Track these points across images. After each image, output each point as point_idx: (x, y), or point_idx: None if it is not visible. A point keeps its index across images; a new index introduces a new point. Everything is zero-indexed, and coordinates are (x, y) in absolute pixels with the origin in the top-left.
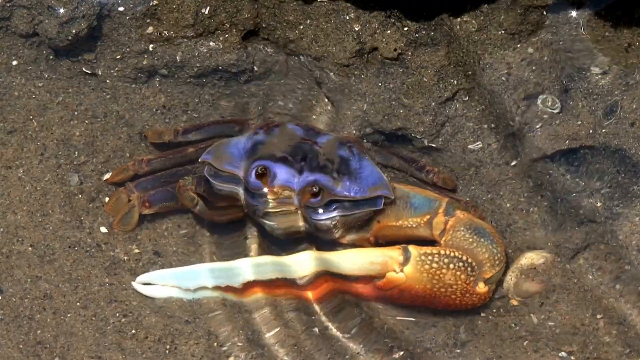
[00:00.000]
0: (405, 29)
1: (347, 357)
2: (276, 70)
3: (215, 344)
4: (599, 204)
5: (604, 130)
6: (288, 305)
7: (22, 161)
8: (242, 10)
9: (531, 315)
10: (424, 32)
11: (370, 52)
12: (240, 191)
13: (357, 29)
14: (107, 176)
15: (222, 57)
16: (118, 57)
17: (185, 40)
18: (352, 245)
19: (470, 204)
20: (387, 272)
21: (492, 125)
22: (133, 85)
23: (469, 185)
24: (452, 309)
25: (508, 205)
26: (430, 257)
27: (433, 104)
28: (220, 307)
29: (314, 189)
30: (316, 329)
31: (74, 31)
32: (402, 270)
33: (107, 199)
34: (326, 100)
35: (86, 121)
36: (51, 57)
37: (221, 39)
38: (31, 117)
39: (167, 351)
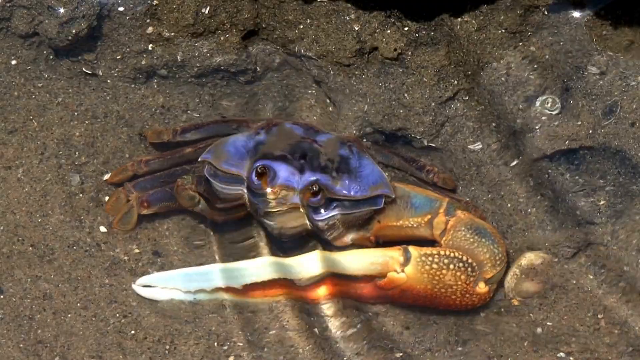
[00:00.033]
0: (406, 28)
1: (346, 357)
2: (276, 70)
3: (216, 344)
4: (599, 204)
5: (603, 131)
6: (288, 305)
7: (22, 161)
8: (242, 10)
9: (531, 315)
10: (424, 32)
11: (370, 52)
12: (243, 190)
13: (357, 28)
14: (106, 176)
15: (222, 57)
16: (118, 57)
17: (185, 40)
18: (353, 245)
19: (470, 204)
20: (388, 272)
21: (492, 125)
22: (133, 85)
23: (469, 186)
24: (453, 309)
25: (509, 205)
26: (430, 258)
27: (433, 104)
28: (220, 307)
29: (314, 188)
30: (316, 330)
31: (74, 31)
32: (403, 271)
33: (107, 199)
34: (327, 100)
35: (86, 121)
36: (51, 57)
37: (221, 39)
38: (31, 117)
39: (166, 351)
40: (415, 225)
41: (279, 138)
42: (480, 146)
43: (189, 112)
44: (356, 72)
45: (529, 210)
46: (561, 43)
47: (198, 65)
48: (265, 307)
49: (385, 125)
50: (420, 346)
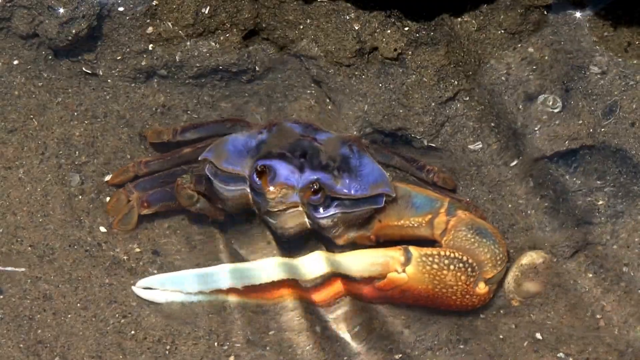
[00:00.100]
0: (406, 28)
1: (346, 357)
2: (276, 70)
3: (216, 343)
4: (599, 204)
5: (603, 130)
6: (288, 305)
7: (23, 161)
8: (242, 10)
9: (531, 315)
10: (424, 32)
11: (370, 52)
12: (244, 189)
13: (357, 28)
14: (107, 178)
15: (223, 57)
16: (118, 57)
17: (185, 40)
18: (353, 244)
19: (471, 204)
20: (389, 273)
21: (492, 125)
22: (133, 85)
23: (469, 186)
24: (454, 309)
25: (509, 205)
26: (431, 258)
27: (433, 104)
28: (221, 307)
29: (315, 186)
30: (317, 330)
31: (74, 31)
32: (404, 271)
33: (107, 199)
34: (327, 100)
35: (86, 121)
36: (51, 57)
37: (221, 38)
38: (31, 116)
39: (167, 351)
40: (416, 225)
41: (279, 137)
42: (481, 146)
43: (188, 112)
44: (356, 72)
45: (530, 210)
46: (561, 43)
47: (198, 65)
48: (266, 307)
49: (385, 125)
50: (421, 345)
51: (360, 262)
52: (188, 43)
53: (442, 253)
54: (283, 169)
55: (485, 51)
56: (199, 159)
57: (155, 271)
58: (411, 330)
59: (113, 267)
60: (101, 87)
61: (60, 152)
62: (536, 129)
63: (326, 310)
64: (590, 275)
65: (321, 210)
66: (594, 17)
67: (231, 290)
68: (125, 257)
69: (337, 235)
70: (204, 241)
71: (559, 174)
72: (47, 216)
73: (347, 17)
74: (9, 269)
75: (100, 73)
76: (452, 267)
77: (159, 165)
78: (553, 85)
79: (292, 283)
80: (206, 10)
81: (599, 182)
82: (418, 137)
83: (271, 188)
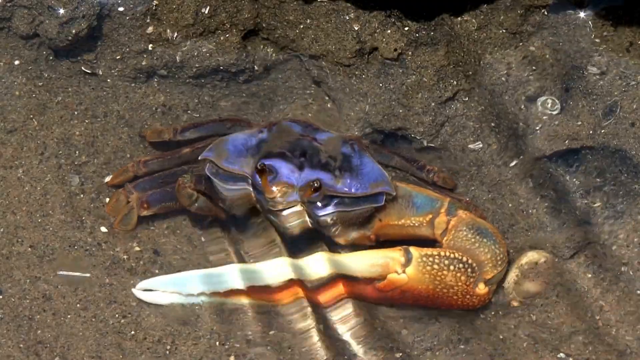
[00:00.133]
0: (406, 28)
1: (346, 357)
2: (276, 70)
3: (217, 343)
4: (599, 204)
5: (603, 131)
6: (289, 305)
7: (22, 161)
8: (242, 10)
9: (531, 315)
10: (424, 32)
11: (370, 52)
12: (245, 189)
13: (357, 28)
14: (107, 179)
15: (222, 57)
16: (118, 57)
17: (185, 40)
18: (353, 243)
19: (471, 204)
20: (388, 274)
21: (492, 125)
22: (133, 85)
23: (469, 185)
24: (455, 309)
25: (510, 205)
26: (431, 259)
27: (433, 104)
28: (221, 307)
29: (315, 184)
30: (317, 329)
31: (74, 31)
32: (404, 272)
33: (107, 200)
34: (326, 100)
35: (86, 121)
36: (51, 57)
37: (221, 38)
38: (31, 116)
39: (167, 351)
40: (416, 225)
41: (279, 136)
42: (481, 146)
43: (188, 112)
44: (356, 72)
45: (530, 210)
46: (561, 43)
47: (197, 65)
48: (267, 307)
49: (385, 125)
50: (421, 345)
51: (360, 263)
52: (188, 43)
53: (443, 253)
54: (284, 168)
55: (486, 51)
56: (199, 158)
57: (157, 270)
58: (411, 330)
59: (113, 266)
60: (101, 87)
61: (60, 151)
62: (536, 128)
63: (327, 310)
64: (590, 275)
65: (321, 208)
66: (595, 17)
67: (233, 291)
68: (125, 257)
69: (338, 234)
70: (205, 241)
71: (559, 174)
72: (47, 216)
73: (347, 17)
74: (78, 274)
75: (100, 73)
76: (452, 267)
77: (158, 165)
78: (553, 86)
79: (295, 284)
80: (206, 10)
81: (599, 181)
82: (418, 137)
83: (273, 188)
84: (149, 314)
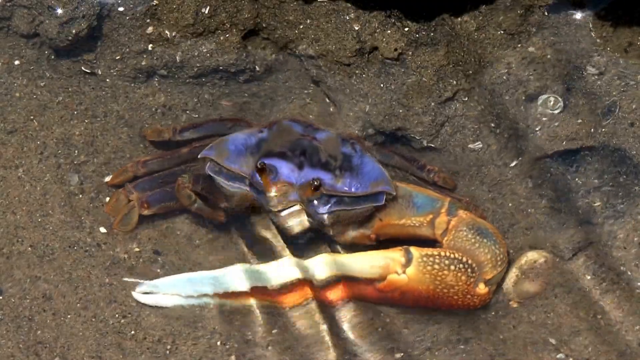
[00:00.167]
0: (406, 29)
1: (347, 357)
2: (276, 70)
3: (218, 342)
4: (599, 204)
5: (603, 130)
6: (289, 306)
7: (22, 161)
8: (242, 10)
9: (531, 316)
10: (424, 32)
11: (370, 52)
12: (246, 188)
13: (357, 28)
14: (107, 179)
15: (222, 57)
16: (118, 57)
17: (185, 40)
18: (353, 242)
19: (471, 204)
20: (388, 275)
21: (493, 125)
22: (133, 85)
23: (469, 185)
24: (455, 309)
25: (510, 205)
26: (432, 259)
27: (432, 104)
28: (222, 307)
29: (315, 183)
30: (317, 330)
31: (74, 31)
32: (404, 272)
33: (107, 199)
34: (326, 100)
35: (86, 121)
36: (52, 57)
37: (221, 38)
38: (32, 117)
39: (167, 351)
40: (417, 225)
41: (279, 136)
42: (481, 145)
43: (188, 112)
44: (356, 72)
45: (530, 210)
46: (561, 43)
47: (198, 65)
48: (267, 308)
49: (385, 125)
50: (421, 345)
51: (360, 263)
52: (188, 43)
53: (443, 254)
54: (284, 168)
55: (486, 51)
56: (199, 157)
57: (159, 270)
58: (411, 330)
59: (113, 266)
60: (101, 87)
61: (60, 151)
62: (537, 129)
63: (327, 311)
64: (590, 275)
65: (321, 207)
66: (594, 17)
67: (235, 293)
68: (125, 256)
69: (338, 234)
70: (205, 241)
71: (559, 174)
72: (47, 216)
73: (347, 17)
74: (139, 280)
75: (100, 73)
76: (452, 267)
77: (158, 165)
78: (553, 85)
79: (299, 284)
80: (206, 10)
81: (599, 181)
82: (417, 137)
83: (273, 187)
84: (149, 314)
